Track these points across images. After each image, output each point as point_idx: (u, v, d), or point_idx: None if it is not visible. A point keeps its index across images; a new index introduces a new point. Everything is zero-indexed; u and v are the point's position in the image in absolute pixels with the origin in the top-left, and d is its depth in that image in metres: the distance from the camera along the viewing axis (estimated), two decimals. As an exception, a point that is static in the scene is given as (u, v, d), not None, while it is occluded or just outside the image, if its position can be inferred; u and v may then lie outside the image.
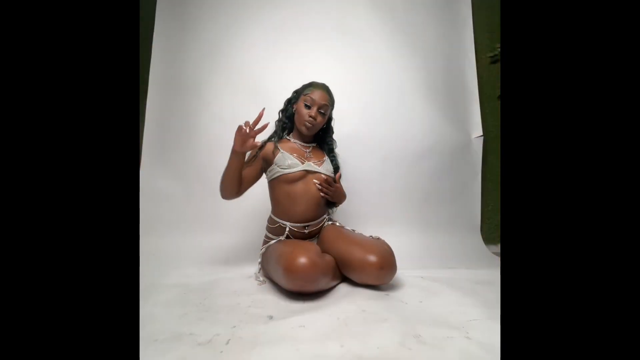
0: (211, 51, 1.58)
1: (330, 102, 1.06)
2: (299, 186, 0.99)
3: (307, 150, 1.07)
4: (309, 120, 1.01)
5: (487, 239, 1.59)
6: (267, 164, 1.03)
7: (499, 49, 1.65)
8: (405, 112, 1.59)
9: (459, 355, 0.53)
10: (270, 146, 1.03)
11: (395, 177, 1.55)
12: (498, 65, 1.68)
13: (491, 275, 1.04)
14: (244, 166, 0.98)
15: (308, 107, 1.02)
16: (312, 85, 1.05)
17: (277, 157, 1.00)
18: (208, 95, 1.56)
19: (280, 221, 1.01)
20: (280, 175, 0.98)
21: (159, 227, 1.42)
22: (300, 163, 1.00)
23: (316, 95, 1.02)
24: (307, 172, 1.00)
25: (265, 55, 1.56)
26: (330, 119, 1.13)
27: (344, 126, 1.53)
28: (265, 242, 1.04)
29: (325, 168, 1.04)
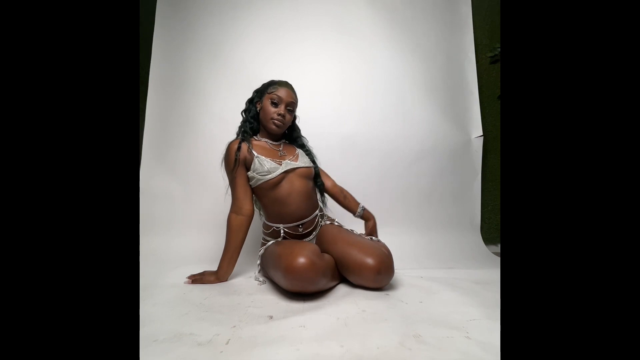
0: (211, 51, 1.58)
1: (295, 99, 1.03)
2: (284, 187, 0.97)
3: (279, 148, 1.04)
4: (277, 118, 0.98)
5: (487, 239, 1.60)
6: (247, 167, 0.99)
7: (499, 49, 1.65)
8: (405, 112, 1.59)
9: (459, 355, 0.53)
10: (245, 147, 0.98)
11: (395, 177, 1.56)
12: (498, 65, 1.69)
13: (491, 275, 1.04)
14: (235, 178, 0.98)
15: (275, 104, 0.99)
16: (276, 83, 1.02)
17: (253, 164, 0.96)
18: (208, 95, 1.56)
19: (274, 225, 1.00)
20: (262, 182, 0.96)
21: (159, 227, 1.42)
22: (278, 165, 0.96)
23: (282, 92, 0.99)
24: (288, 171, 0.98)
25: (265, 56, 1.56)
26: (295, 116, 1.10)
27: (344, 126, 1.54)
28: (263, 244, 1.04)
29: (303, 161, 1.02)
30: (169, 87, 1.58)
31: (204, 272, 0.97)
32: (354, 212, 1.11)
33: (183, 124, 1.56)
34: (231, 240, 0.96)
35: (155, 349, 0.54)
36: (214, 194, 1.49)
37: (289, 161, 1.00)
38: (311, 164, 1.05)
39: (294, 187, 0.97)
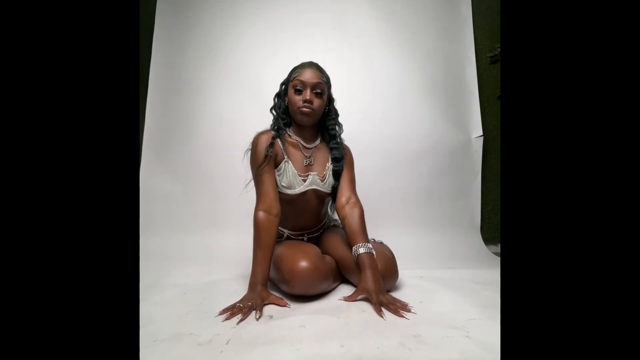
0: (211, 51, 1.58)
1: (325, 79, 0.89)
2: (299, 203, 0.91)
3: (308, 154, 0.92)
4: (304, 106, 0.86)
5: (487, 239, 1.60)
6: (276, 164, 0.90)
7: (499, 49, 1.65)
8: (406, 112, 1.59)
9: (459, 355, 0.53)
10: (278, 146, 0.89)
11: (395, 177, 1.55)
12: (498, 65, 1.69)
13: (491, 275, 1.04)
14: (265, 175, 0.85)
15: (299, 91, 0.87)
16: (298, 67, 0.89)
17: (280, 167, 0.88)
18: (208, 95, 1.56)
19: (279, 228, 0.95)
20: (281, 191, 0.89)
21: (159, 227, 1.42)
22: (302, 181, 0.89)
23: (306, 75, 0.86)
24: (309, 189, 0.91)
25: (265, 55, 1.56)
26: (330, 100, 0.97)
27: (344, 126, 1.53)
28: None
29: (330, 182, 0.93)
30: (169, 87, 1.58)
31: (242, 300, 0.74)
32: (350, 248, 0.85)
33: (183, 124, 1.56)
34: (264, 238, 0.80)
35: (155, 349, 0.54)
36: (214, 194, 1.50)
37: (316, 176, 0.91)
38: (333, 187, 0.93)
39: (309, 204, 0.93)
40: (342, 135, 1.01)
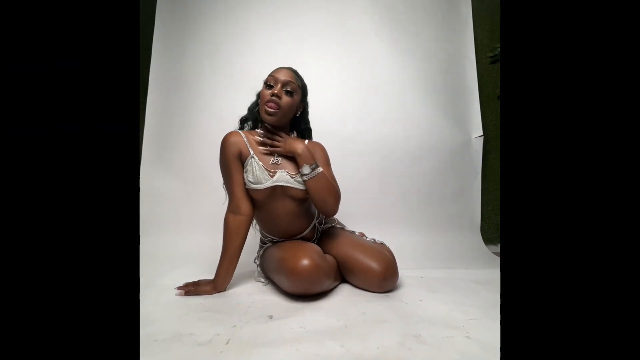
0: (211, 51, 1.58)
1: (297, 81, 0.89)
2: (272, 206, 0.88)
3: (276, 154, 0.90)
4: (271, 100, 0.84)
5: (487, 239, 1.60)
6: (242, 162, 0.88)
7: (499, 49, 1.65)
8: (406, 112, 1.59)
9: (459, 355, 0.53)
10: (241, 140, 0.87)
11: (395, 177, 1.56)
12: (498, 65, 1.69)
13: (491, 275, 1.04)
14: (231, 174, 0.87)
15: (270, 86, 0.86)
16: (276, 68, 0.90)
17: (246, 163, 0.87)
18: (208, 95, 1.56)
19: (269, 236, 0.96)
20: (249, 189, 0.87)
21: (159, 227, 1.42)
22: (269, 177, 0.85)
23: (279, 72, 0.87)
24: (277, 186, 0.86)
25: (265, 55, 1.56)
26: (305, 107, 0.97)
27: (344, 126, 1.54)
28: (261, 246, 1.01)
29: (299, 181, 0.87)
30: (169, 87, 1.58)
31: (199, 281, 0.87)
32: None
33: (183, 124, 1.56)
34: (229, 243, 0.85)
35: (155, 349, 0.54)
36: (214, 194, 1.49)
37: (284, 173, 0.87)
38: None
39: (285, 207, 0.89)
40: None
